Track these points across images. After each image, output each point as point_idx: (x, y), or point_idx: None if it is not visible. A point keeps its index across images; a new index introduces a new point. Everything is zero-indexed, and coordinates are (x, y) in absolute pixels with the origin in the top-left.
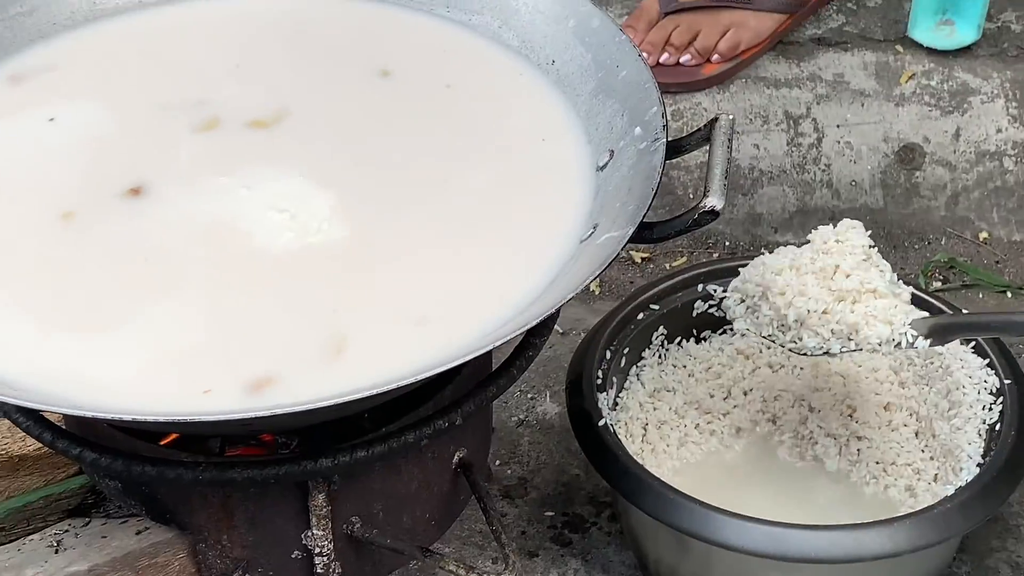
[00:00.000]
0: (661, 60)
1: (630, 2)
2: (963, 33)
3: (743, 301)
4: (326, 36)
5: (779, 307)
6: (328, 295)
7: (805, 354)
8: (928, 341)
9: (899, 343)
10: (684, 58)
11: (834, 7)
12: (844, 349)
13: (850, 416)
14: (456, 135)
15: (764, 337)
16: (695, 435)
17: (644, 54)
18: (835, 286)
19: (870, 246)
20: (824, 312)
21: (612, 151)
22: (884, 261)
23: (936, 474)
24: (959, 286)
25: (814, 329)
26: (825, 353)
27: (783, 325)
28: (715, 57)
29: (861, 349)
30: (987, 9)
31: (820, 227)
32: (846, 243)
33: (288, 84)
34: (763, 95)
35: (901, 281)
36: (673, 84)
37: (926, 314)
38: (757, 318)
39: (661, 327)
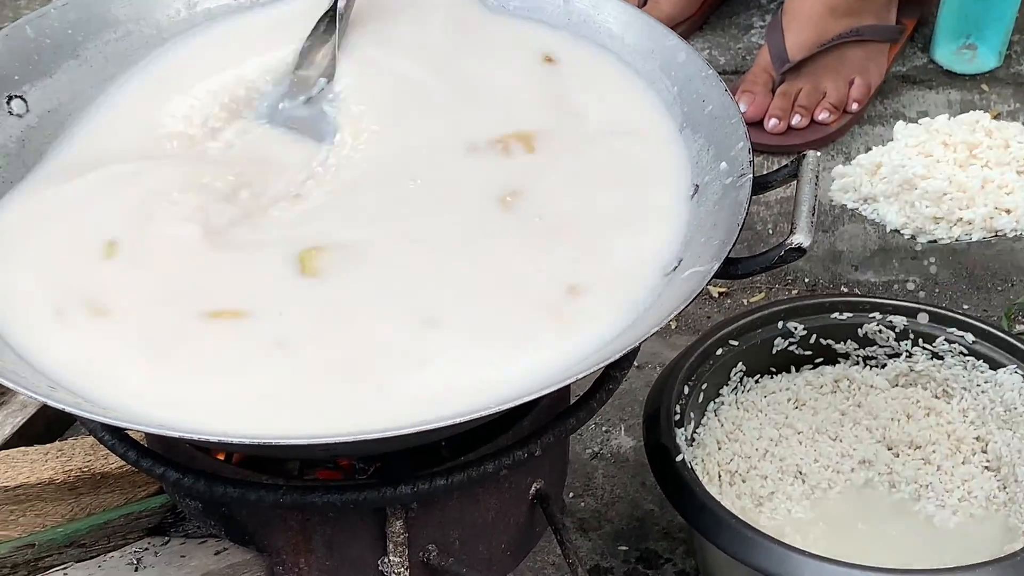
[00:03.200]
0: (793, 123)
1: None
2: (984, 58)
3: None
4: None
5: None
6: (421, 305)
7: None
8: None
9: None
10: (822, 115)
11: (919, 44)
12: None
13: (932, 459)
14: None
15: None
16: (774, 473)
17: (774, 120)
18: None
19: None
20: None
21: (697, 185)
22: None
23: (1017, 522)
24: None
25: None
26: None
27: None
28: (854, 106)
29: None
30: (1009, 36)
31: None
32: None
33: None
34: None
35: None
36: (806, 143)
37: None
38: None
39: (740, 363)
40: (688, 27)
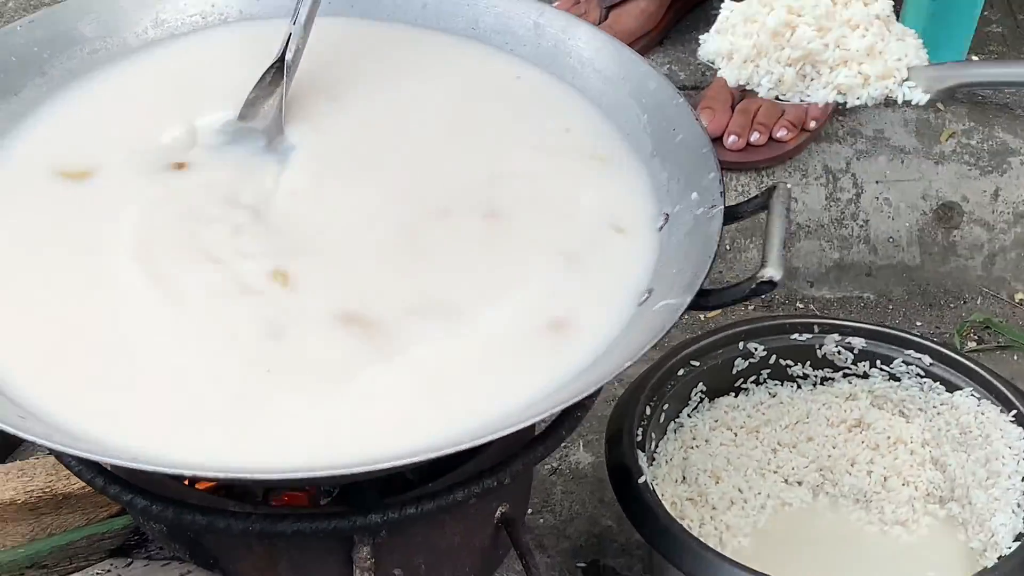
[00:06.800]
0: (752, 140)
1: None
2: None
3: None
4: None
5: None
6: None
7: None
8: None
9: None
10: (780, 133)
11: None
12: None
13: (887, 483)
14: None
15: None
16: (734, 494)
17: (733, 136)
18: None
19: None
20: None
21: (667, 215)
22: None
23: (972, 545)
24: (994, 347)
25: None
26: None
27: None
28: (811, 124)
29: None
30: (966, 57)
31: None
32: None
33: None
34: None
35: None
36: (764, 160)
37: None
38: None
39: (701, 384)
40: (648, 41)
